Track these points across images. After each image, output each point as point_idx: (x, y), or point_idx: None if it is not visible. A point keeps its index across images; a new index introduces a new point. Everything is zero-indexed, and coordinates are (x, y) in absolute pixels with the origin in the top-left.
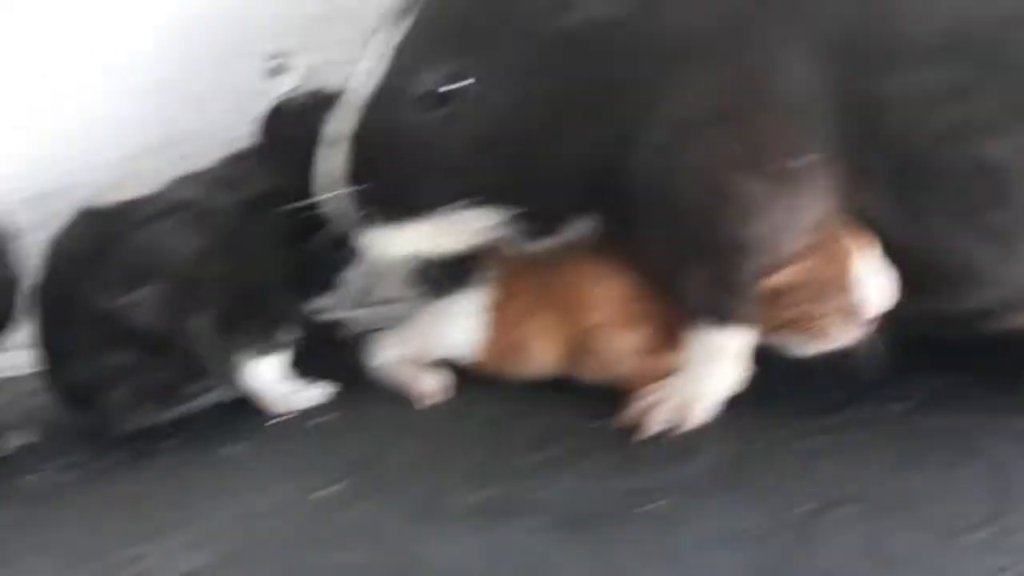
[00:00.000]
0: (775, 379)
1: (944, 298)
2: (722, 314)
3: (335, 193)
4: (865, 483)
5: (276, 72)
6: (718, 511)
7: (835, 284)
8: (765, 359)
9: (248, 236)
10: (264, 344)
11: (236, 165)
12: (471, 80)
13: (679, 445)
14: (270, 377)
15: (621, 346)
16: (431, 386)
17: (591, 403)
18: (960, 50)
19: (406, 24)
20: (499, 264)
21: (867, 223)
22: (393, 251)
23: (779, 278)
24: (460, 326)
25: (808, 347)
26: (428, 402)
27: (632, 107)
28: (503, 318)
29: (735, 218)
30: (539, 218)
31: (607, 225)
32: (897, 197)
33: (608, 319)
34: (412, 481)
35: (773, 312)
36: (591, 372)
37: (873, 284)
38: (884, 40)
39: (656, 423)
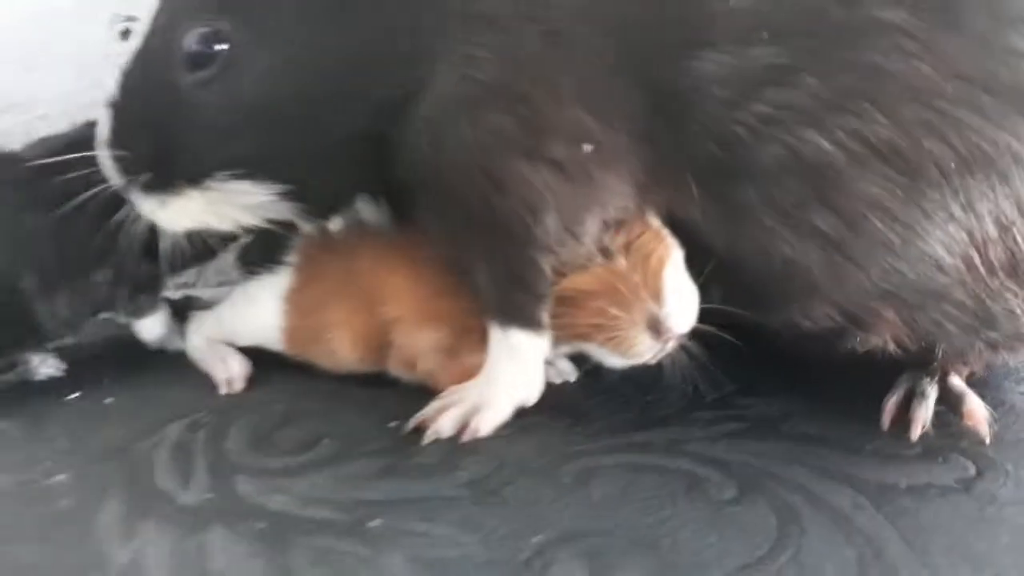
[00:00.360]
0: (575, 393)
1: (770, 311)
2: (513, 314)
3: (104, 159)
4: (611, 518)
5: (126, 35)
6: (438, 535)
7: (640, 293)
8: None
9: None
10: (129, 308)
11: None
12: (228, 44)
13: (443, 457)
14: (154, 337)
15: (421, 343)
16: (234, 371)
17: (402, 402)
18: (777, 28)
19: None
20: (301, 249)
21: (679, 225)
22: (170, 222)
23: (580, 281)
24: (261, 313)
25: (612, 359)
26: (232, 388)
27: (401, 78)
28: (302, 306)
29: (515, 209)
30: (310, 196)
31: (393, 209)
32: (710, 194)
33: (406, 314)
34: (139, 477)
35: (573, 318)
36: (395, 368)
37: (681, 296)
38: (691, 15)
39: (443, 428)
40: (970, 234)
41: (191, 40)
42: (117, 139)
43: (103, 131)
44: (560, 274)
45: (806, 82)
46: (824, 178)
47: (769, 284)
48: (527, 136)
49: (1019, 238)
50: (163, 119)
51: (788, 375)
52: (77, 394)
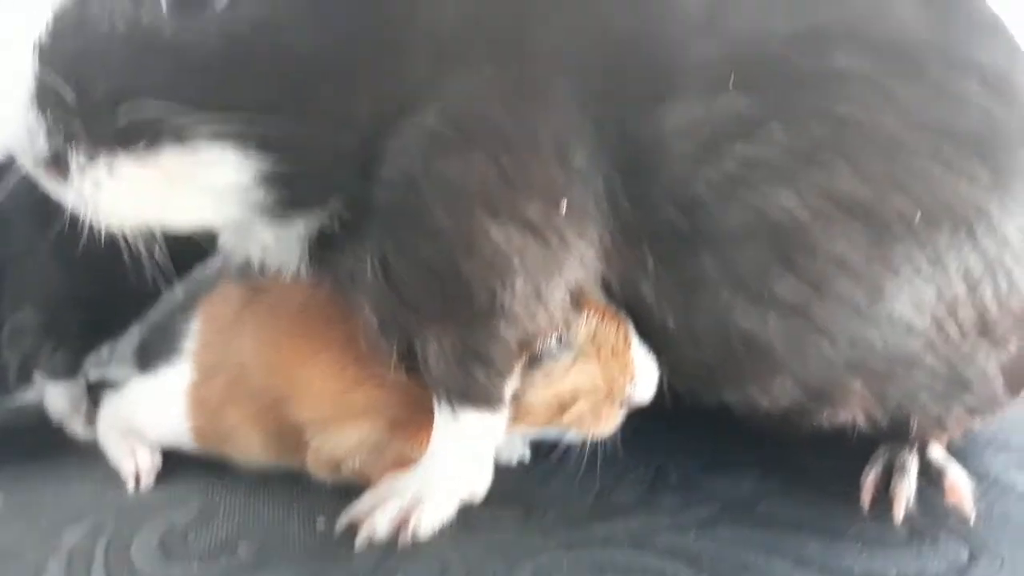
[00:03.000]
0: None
1: (726, 390)
2: (468, 393)
3: (24, 119)
4: None
5: None
6: None
7: (617, 380)
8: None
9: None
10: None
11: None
12: None
13: (378, 562)
14: (57, 411)
15: (343, 444)
16: (143, 465)
17: (331, 495)
18: (744, 77)
19: None
20: (198, 332)
21: (630, 301)
22: (113, 208)
23: (561, 390)
24: (165, 412)
25: (570, 434)
26: (139, 483)
27: (393, 89)
28: (205, 402)
29: (481, 271)
30: (289, 182)
31: (325, 257)
32: (665, 266)
33: (322, 413)
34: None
35: (551, 416)
36: (316, 470)
37: (647, 368)
38: (661, 63)
39: (378, 528)
40: (939, 292)
41: None
42: (52, 88)
43: (24, 82)
44: (523, 350)
45: (774, 135)
46: (787, 239)
47: (727, 362)
48: (505, 191)
49: (988, 296)
50: (126, 61)
51: (759, 447)
52: None
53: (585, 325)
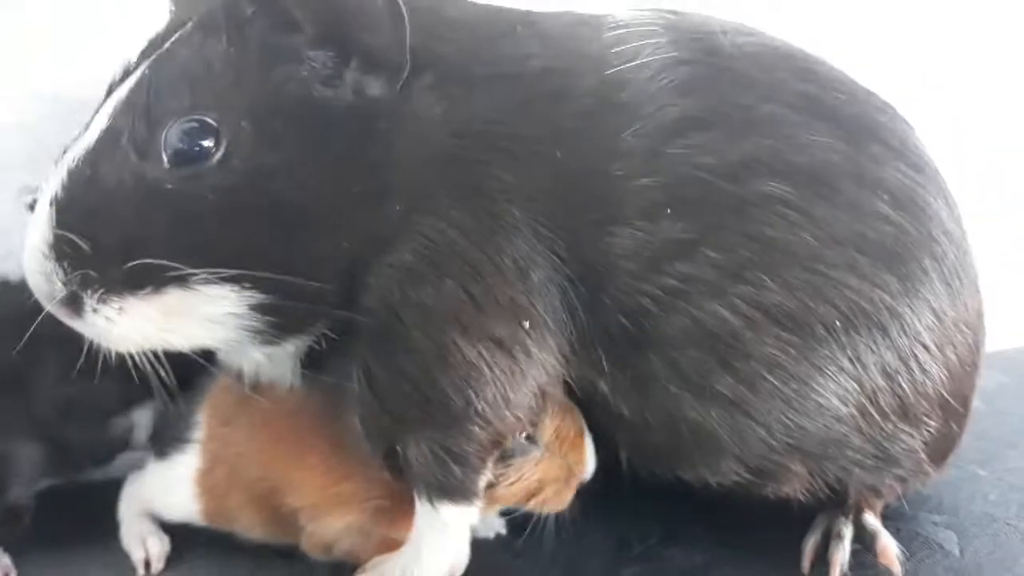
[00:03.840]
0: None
1: (678, 470)
2: (446, 489)
3: (41, 265)
4: None
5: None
6: None
7: (574, 470)
8: None
9: None
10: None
11: None
12: (221, 139)
13: None
14: None
15: (333, 528)
16: (153, 552)
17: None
18: (680, 204)
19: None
20: (205, 424)
21: (595, 394)
22: (123, 338)
23: (527, 483)
24: (177, 496)
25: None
26: (150, 571)
27: (371, 226)
28: (212, 488)
29: (455, 382)
30: (281, 311)
31: (314, 367)
32: (618, 366)
33: (313, 503)
34: None
35: (518, 501)
36: (311, 550)
37: (593, 453)
38: (608, 193)
39: None
40: (860, 384)
41: (177, 134)
42: (66, 236)
43: (40, 231)
44: (494, 448)
45: (707, 255)
46: (724, 344)
47: (677, 446)
48: (476, 314)
49: (905, 384)
50: (134, 213)
51: (711, 519)
52: None
53: (550, 423)
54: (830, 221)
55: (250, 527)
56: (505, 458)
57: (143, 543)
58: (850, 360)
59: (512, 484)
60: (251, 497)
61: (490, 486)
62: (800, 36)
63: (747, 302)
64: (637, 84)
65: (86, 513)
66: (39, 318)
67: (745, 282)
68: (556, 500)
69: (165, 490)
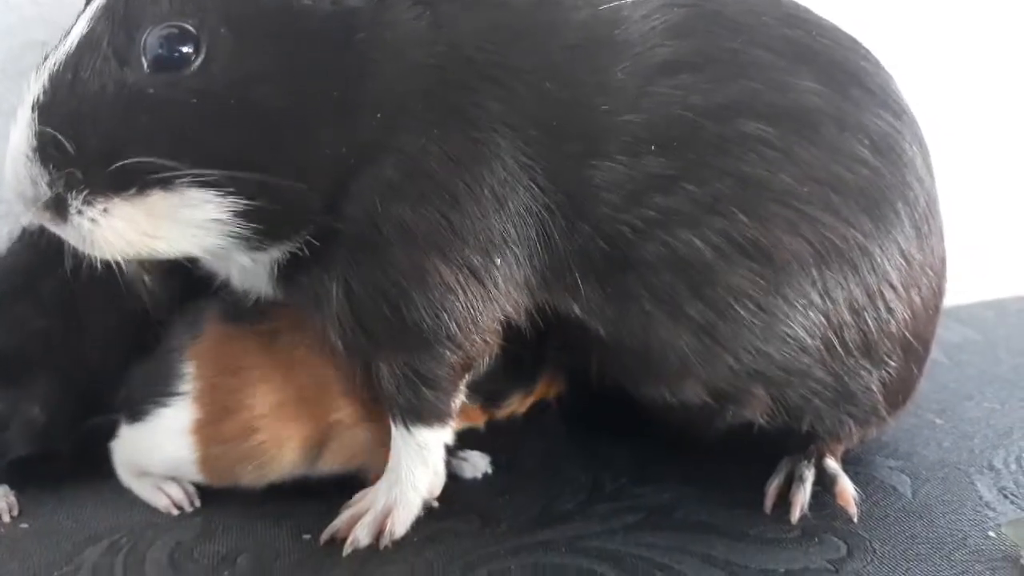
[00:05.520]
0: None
1: (657, 389)
2: (419, 413)
3: (24, 168)
4: None
5: None
6: None
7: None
8: None
9: None
10: None
11: None
12: (200, 45)
13: (357, 569)
14: None
15: (359, 439)
16: (175, 495)
17: (314, 512)
18: (663, 141)
19: None
20: (197, 376)
21: (569, 316)
22: (106, 242)
23: None
24: (167, 452)
25: None
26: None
27: (352, 139)
28: (221, 433)
29: (430, 304)
30: (265, 217)
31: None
32: (594, 284)
33: (352, 414)
34: None
35: None
36: (328, 465)
37: None
38: (594, 128)
39: (360, 538)
40: (827, 318)
41: (156, 40)
42: (50, 137)
43: (22, 135)
44: (463, 371)
45: (685, 188)
46: (696, 271)
47: (647, 364)
48: (454, 241)
49: (870, 322)
50: (117, 117)
51: (680, 461)
52: None
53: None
54: (809, 161)
55: (270, 462)
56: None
57: (161, 491)
58: (820, 294)
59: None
60: (292, 425)
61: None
62: None
63: (719, 234)
64: (631, 23)
65: (86, 451)
66: None
67: (719, 215)
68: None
69: (153, 447)
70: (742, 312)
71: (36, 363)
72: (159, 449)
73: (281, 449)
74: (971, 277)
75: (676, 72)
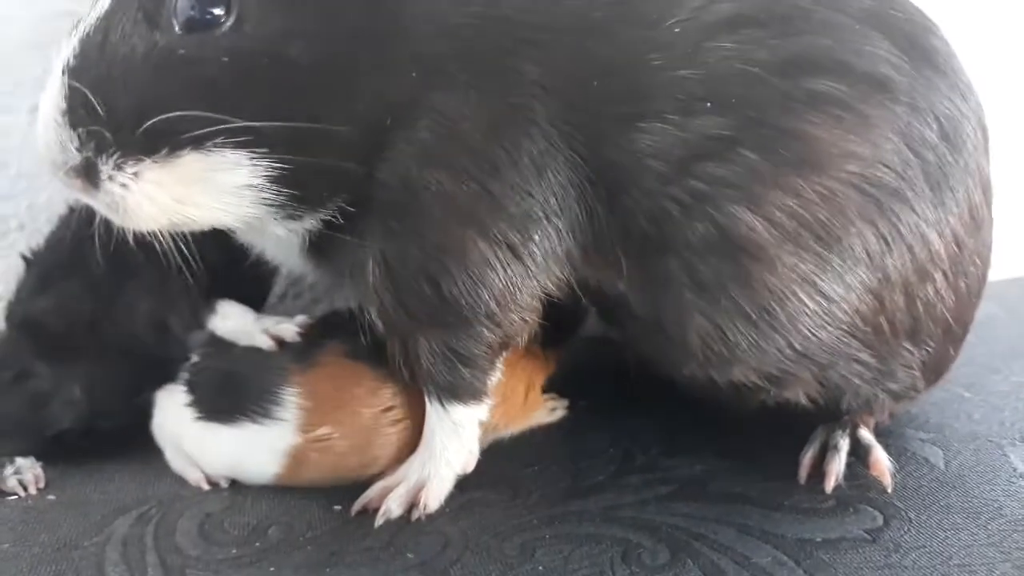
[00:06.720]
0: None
1: (703, 371)
2: (455, 390)
3: (54, 132)
4: None
5: None
6: None
7: None
8: None
9: None
10: None
11: None
12: (225, 6)
13: (390, 539)
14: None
15: None
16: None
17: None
18: (721, 99)
19: None
20: (306, 412)
21: (612, 292)
22: (138, 207)
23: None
24: (246, 464)
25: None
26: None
27: (396, 85)
28: (304, 459)
29: (467, 279)
30: (298, 184)
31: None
32: (636, 266)
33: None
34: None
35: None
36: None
37: None
38: (640, 86)
39: (392, 509)
40: (882, 303)
41: (188, 2)
42: (80, 97)
43: (52, 100)
44: (501, 349)
45: (743, 155)
46: (750, 256)
47: (689, 349)
48: (492, 216)
49: (920, 306)
50: (147, 78)
51: (711, 433)
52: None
53: None
54: (883, 128)
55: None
56: None
57: (196, 466)
58: (880, 281)
59: None
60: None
61: None
62: None
63: (781, 209)
64: None
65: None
66: None
67: (780, 189)
68: None
69: (227, 453)
70: (801, 297)
71: (81, 345)
72: (233, 455)
73: (364, 472)
74: (996, 254)
75: (740, 27)
